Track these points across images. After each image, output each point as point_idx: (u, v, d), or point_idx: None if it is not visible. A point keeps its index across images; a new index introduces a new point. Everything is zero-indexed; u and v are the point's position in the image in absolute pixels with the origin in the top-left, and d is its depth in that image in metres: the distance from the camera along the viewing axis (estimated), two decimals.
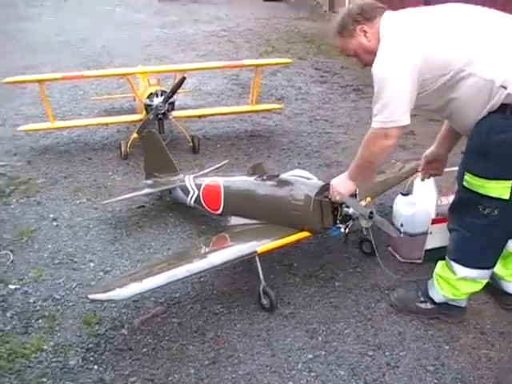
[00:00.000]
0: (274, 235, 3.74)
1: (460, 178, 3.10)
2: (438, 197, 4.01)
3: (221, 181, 4.36)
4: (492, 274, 3.39)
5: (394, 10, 3.23)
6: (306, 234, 3.77)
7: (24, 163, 6.00)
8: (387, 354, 3.30)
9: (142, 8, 15.11)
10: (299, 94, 8.43)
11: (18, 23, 13.41)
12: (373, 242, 3.87)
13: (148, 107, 5.94)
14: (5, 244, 4.45)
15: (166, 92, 5.91)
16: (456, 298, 3.39)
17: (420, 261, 4.08)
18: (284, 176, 3.98)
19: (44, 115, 6.37)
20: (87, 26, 13.16)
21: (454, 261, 3.25)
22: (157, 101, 5.86)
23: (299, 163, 5.91)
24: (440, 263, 3.40)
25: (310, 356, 3.29)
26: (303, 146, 6.42)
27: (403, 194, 4.14)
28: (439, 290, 3.41)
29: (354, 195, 3.57)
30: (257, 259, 3.59)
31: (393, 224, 3.99)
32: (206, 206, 4.44)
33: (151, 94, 5.98)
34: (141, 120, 6.08)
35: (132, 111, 7.05)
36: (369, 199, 3.98)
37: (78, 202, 5.14)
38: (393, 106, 2.97)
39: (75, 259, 4.25)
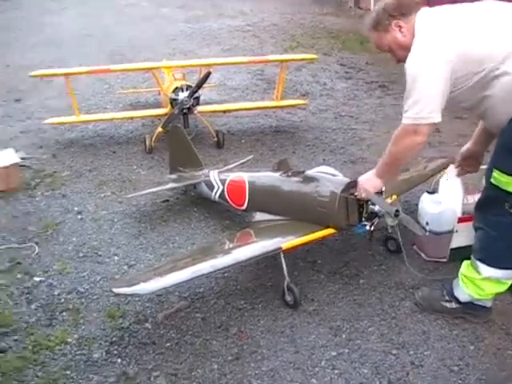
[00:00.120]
0: (298, 232, 3.72)
1: (488, 175, 3.06)
2: (464, 195, 3.98)
3: (245, 176, 4.36)
4: None
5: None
6: (331, 230, 3.75)
7: (49, 156, 6.05)
8: (411, 352, 3.28)
9: (166, 2, 15.09)
10: (324, 89, 8.39)
11: (43, 17, 13.49)
12: (400, 239, 3.85)
13: (173, 101, 5.95)
14: (30, 236, 4.50)
15: (191, 86, 5.91)
16: (481, 297, 3.36)
17: (445, 260, 4.04)
18: (309, 172, 3.97)
19: (69, 108, 6.40)
20: (112, 20, 13.20)
21: (480, 260, 3.22)
22: (182, 95, 5.86)
23: (324, 159, 5.88)
24: (465, 263, 3.37)
25: (334, 353, 3.27)
26: (328, 143, 6.39)
27: (429, 192, 4.10)
28: (464, 289, 3.37)
29: (379, 193, 3.55)
30: (281, 255, 3.58)
31: (418, 222, 3.96)
32: (230, 202, 4.45)
33: (176, 88, 5.98)
34: (166, 114, 6.09)
35: (157, 105, 7.07)
36: (394, 197, 3.98)
37: (102, 195, 5.18)
38: (424, 103, 2.95)
39: (100, 252, 4.27)
